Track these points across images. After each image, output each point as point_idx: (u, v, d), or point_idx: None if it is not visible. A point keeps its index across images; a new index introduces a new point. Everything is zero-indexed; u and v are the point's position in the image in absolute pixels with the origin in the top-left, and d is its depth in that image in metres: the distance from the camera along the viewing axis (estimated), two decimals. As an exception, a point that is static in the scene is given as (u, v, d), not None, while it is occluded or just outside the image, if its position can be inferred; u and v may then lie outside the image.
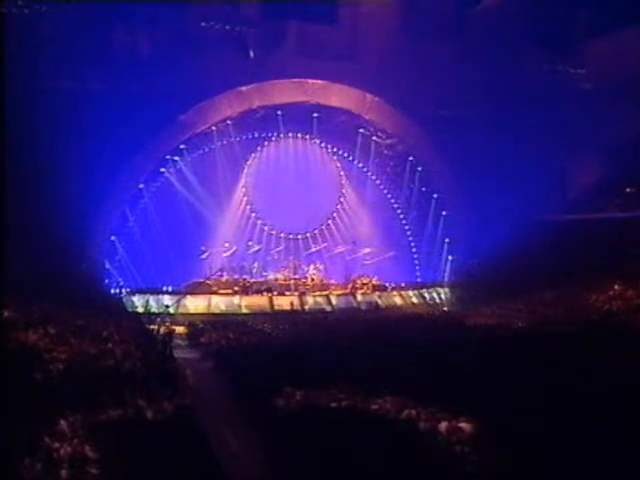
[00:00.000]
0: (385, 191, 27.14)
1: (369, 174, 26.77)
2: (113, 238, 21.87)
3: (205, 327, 15.94)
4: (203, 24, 20.01)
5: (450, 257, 25.80)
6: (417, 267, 27.07)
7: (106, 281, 21.40)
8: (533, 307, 19.50)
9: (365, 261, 25.02)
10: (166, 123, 20.77)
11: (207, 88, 20.53)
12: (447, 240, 25.61)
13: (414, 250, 27.07)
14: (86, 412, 6.53)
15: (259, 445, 6.83)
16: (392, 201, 27.07)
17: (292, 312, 20.27)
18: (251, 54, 18.66)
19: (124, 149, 19.43)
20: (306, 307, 21.17)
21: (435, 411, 7.32)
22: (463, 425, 6.76)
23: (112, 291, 21.35)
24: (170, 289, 21.88)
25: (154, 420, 6.95)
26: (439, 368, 9.35)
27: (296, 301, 21.30)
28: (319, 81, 22.02)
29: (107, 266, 21.65)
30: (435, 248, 25.99)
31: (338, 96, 22.64)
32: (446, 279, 25.67)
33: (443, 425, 6.85)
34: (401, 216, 27.17)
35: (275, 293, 21.64)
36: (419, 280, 26.21)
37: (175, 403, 7.69)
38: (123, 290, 21.31)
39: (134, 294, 20.55)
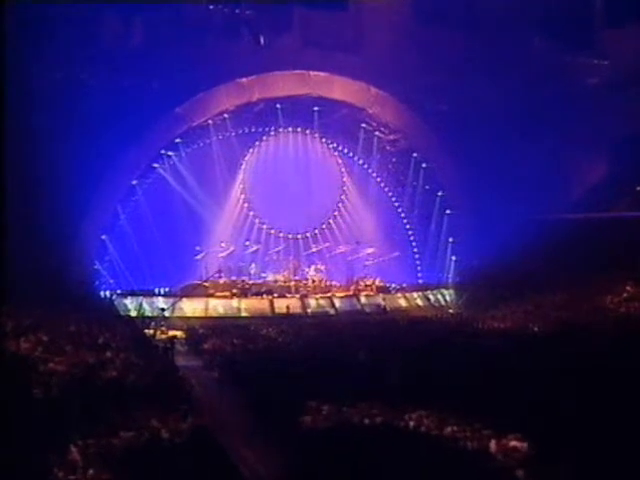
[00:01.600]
0: (386, 189, 26.68)
1: (370, 171, 26.35)
2: (104, 237, 21.28)
3: (206, 332, 15.37)
4: (201, 10, 19.33)
5: (454, 257, 25.44)
6: (419, 268, 26.67)
7: (96, 282, 20.82)
8: (544, 309, 19.23)
9: (367, 261, 24.52)
10: (161, 116, 20.21)
11: (205, 79, 19.89)
12: (451, 240, 25.27)
13: (415, 250, 26.64)
14: (96, 435, 5.92)
15: (290, 471, 6.25)
16: (393, 199, 26.65)
17: (291, 315, 19.77)
18: (261, 40, 17.99)
19: (116, 143, 18.85)
20: (308, 310, 20.65)
21: (480, 427, 6.85)
22: (516, 444, 6.28)
23: (103, 293, 20.76)
24: (164, 291, 21.37)
25: (171, 443, 6.36)
26: (470, 378, 8.88)
27: (298, 304, 20.79)
28: (322, 73, 21.56)
29: (97, 267, 21.07)
30: (438, 248, 25.60)
31: (341, 89, 22.20)
32: (450, 280, 25.35)
33: (493, 444, 6.37)
34: (402, 215, 26.73)
35: (275, 295, 21.13)
36: (421, 281, 25.87)
37: (191, 423, 7.11)
38: (114, 292, 20.70)
39: (126, 296, 19.99)
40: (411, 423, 7.22)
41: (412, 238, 26.65)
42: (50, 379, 7.63)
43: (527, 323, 17.22)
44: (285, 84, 21.48)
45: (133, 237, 21.44)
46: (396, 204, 26.59)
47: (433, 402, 7.76)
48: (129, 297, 19.84)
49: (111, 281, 21.21)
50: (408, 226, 26.59)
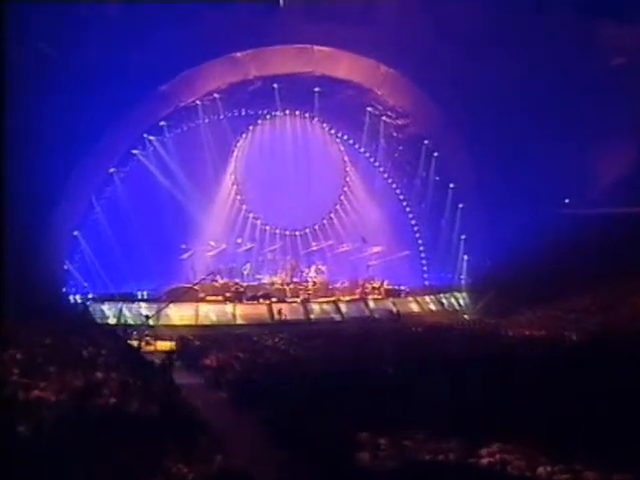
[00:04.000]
0: (389, 180, 26.04)
1: (372, 160, 25.77)
2: (76, 233, 20.32)
3: (203, 344, 14.49)
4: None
5: (465, 257, 24.85)
6: (425, 268, 26.13)
7: (67, 286, 19.97)
8: (573, 315, 18.87)
9: (371, 261, 23.83)
10: (143, 95, 19.23)
11: (194, 53, 18.81)
12: (463, 237, 24.69)
13: (422, 249, 26.06)
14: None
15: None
16: (397, 192, 26.03)
17: (293, 322, 19.15)
18: (281, 2, 16.91)
19: (91, 125, 18.06)
20: (311, 316, 20.05)
21: (582, 468, 5.98)
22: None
23: (75, 298, 19.91)
24: (146, 295, 20.80)
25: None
26: (540, 399, 8.05)
27: (299, 309, 20.18)
28: (326, 48, 20.68)
29: (68, 267, 20.15)
30: (448, 246, 25.00)
31: (347, 66, 21.36)
32: (463, 282, 24.78)
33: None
34: (407, 209, 26.10)
35: (274, 300, 20.43)
36: (427, 283, 25.41)
37: (220, 464, 6.09)
38: (89, 297, 19.89)
39: (103, 302, 19.21)
40: (492, 460, 6.32)
41: (418, 235, 26.07)
42: (38, 411, 6.50)
43: (562, 331, 16.79)
44: (285, 60, 20.62)
45: (110, 233, 20.61)
46: (401, 197, 26.00)
47: (507, 431, 6.90)
48: (106, 303, 19.06)
49: (84, 284, 20.34)
50: (414, 222, 26.02)
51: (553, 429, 6.81)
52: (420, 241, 26.01)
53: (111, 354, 11.53)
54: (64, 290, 19.55)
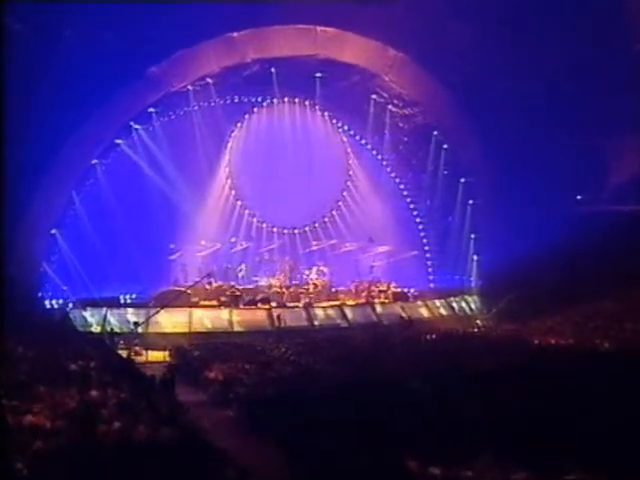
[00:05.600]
0: (393, 174, 25.68)
1: (374, 152, 25.39)
2: (54, 232, 19.75)
3: (203, 354, 13.85)
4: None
5: (475, 257, 24.57)
6: (430, 269, 25.73)
7: (44, 291, 19.44)
8: (597, 321, 18.49)
9: (374, 262, 23.39)
10: (130, 79, 18.67)
11: (186, 32, 18.13)
12: (473, 236, 24.42)
13: (427, 248, 25.70)
14: None
15: None
16: (401, 186, 25.71)
17: (296, 329, 18.56)
18: None
19: (72, 112, 17.54)
20: (315, 322, 19.49)
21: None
22: None
23: (53, 304, 19.33)
24: (133, 299, 20.39)
25: None
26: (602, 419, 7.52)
27: (302, 314, 19.61)
28: (331, 29, 20.15)
29: (45, 269, 19.52)
30: (458, 246, 24.68)
31: (354, 49, 20.85)
32: (473, 285, 24.49)
33: None
34: (412, 205, 25.74)
35: (274, 305, 19.93)
36: (432, 285, 25.02)
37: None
38: (69, 302, 19.20)
39: (85, 307, 18.52)
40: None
41: (423, 234, 25.70)
42: (33, 441, 5.76)
43: (591, 338, 16.45)
44: (286, 41, 20.05)
45: (92, 231, 19.97)
46: (405, 193, 25.65)
47: (581, 458, 6.36)
48: (89, 308, 18.40)
49: (64, 288, 19.62)
50: (419, 219, 25.69)
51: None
52: (425, 240, 25.58)
53: (103, 368, 10.89)
54: (41, 295, 19.04)
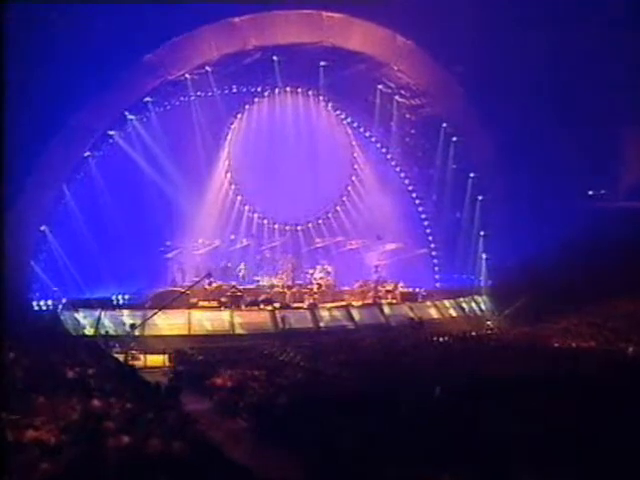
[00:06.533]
0: (398, 168, 25.49)
1: (379, 145, 25.25)
2: (43, 228, 19.26)
3: (207, 359, 13.57)
4: None
5: (485, 256, 24.39)
6: (436, 268, 25.65)
7: (33, 291, 18.92)
8: (617, 321, 18.37)
9: (379, 261, 23.19)
10: (124, 66, 18.24)
11: (184, 17, 17.74)
12: (482, 233, 24.22)
13: (433, 246, 25.61)
14: None
15: None
16: (406, 181, 25.56)
17: (302, 331, 18.43)
18: None
19: (63, 102, 17.18)
20: (321, 324, 19.22)
21: None
22: None
23: (42, 305, 18.76)
24: (126, 299, 19.96)
25: None
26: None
27: (307, 316, 19.32)
28: (337, 14, 19.84)
29: (34, 268, 19.04)
30: (466, 244, 24.53)
31: (361, 36, 20.46)
32: (482, 284, 24.32)
33: None
34: (417, 201, 25.61)
35: (277, 306, 19.70)
36: (438, 285, 24.94)
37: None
38: (59, 303, 18.66)
39: (77, 309, 18.04)
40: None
41: (429, 231, 25.57)
42: (39, 460, 5.36)
43: (614, 342, 16.32)
44: (290, 28, 19.62)
45: (83, 228, 19.54)
46: (410, 187, 25.52)
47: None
48: (81, 310, 17.91)
49: (54, 288, 19.20)
50: (424, 216, 25.53)
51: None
52: (431, 238, 25.43)
53: (102, 375, 10.53)
54: (29, 296, 18.51)
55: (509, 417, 8.10)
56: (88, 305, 18.17)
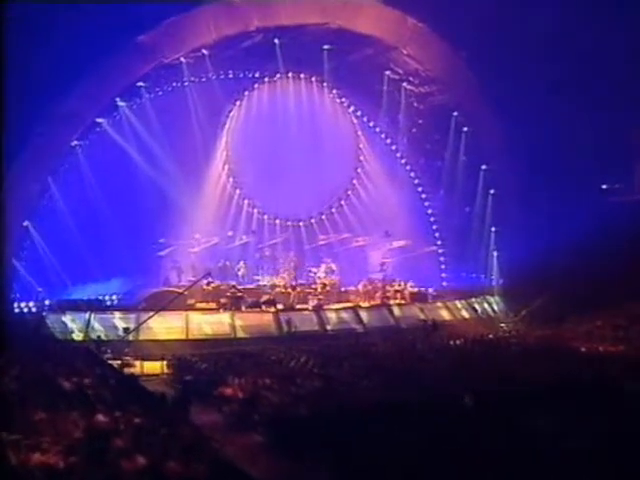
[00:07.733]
0: (403, 160, 25.29)
1: (383, 136, 25.00)
2: (26, 224, 19.23)
3: (211, 367, 13.05)
4: None
5: (496, 253, 24.32)
6: (443, 266, 25.46)
7: (15, 292, 18.78)
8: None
9: (385, 259, 23.06)
10: (116, 49, 18.08)
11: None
12: (494, 229, 24.15)
13: (439, 243, 25.44)
14: None
15: None
16: (412, 174, 25.34)
17: (308, 335, 18.21)
18: None
19: (49, 87, 17.26)
20: (328, 327, 18.96)
21: None
22: None
23: (24, 307, 18.64)
24: (115, 300, 19.83)
25: None
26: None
27: (312, 318, 19.04)
28: (347, -6, 19.84)
29: (17, 267, 18.92)
30: (477, 240, 24.40)
31: (369, 18, 20.35)
32: (495, 283, 24.24)
33: None
34: (423, 195, 25.43)
35: (280, 307, 19.41)
36: (445, 284, 24.75)
37: None
38: (45, 305, 18.70)
39: (64, 311, 17.79)
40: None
41: (436, 227, 25.45)
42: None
43: None
44: (295, 8, 19.55)
45: (70, 223, 19.51)
46: (416, 180, 25.34)
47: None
48: (69, 312, 17.67)
49: (38, 289, 19.17)
50: (430, 211, 25.41)
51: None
52: (438, 234, 25.30)
53: (101, 385, 10.07)
54: (11, 297, 18.21)
55: (541, 423, 7.94)
56: (76, 307, 18.00)
